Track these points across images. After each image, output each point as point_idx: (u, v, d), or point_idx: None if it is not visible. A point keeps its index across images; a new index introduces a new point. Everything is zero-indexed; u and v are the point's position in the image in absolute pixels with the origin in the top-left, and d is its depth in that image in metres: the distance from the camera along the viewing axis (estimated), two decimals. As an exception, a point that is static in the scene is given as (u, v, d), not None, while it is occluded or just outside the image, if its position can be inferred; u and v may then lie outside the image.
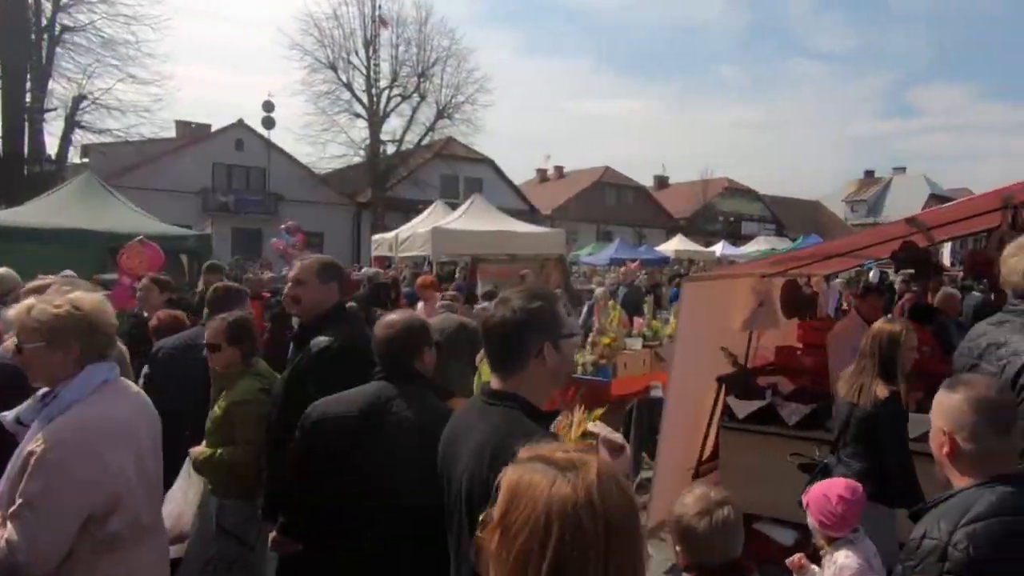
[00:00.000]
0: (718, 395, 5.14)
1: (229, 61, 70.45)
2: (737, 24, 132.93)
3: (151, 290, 5.07)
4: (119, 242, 7.78)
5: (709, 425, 5.26)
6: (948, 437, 1.76)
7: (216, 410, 3.22)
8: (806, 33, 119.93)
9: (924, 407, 2.88)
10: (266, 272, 11.88)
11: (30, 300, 2.13)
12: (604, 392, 6.25)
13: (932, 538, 1.67)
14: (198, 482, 3.39)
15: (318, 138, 28.99)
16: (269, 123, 27.57)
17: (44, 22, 19.63)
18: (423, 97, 30.01)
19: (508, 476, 0.96)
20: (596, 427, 2.02)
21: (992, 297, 5.60)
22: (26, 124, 19.10)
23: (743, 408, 4.88)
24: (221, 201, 26.66)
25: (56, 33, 19.71)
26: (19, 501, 1.89)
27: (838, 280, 10.59)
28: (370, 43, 29.28)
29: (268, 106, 27.47)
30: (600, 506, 0.91)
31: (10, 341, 2.30)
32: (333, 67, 29.02)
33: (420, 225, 14.51)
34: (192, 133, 29.09)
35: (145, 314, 4.94)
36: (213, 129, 29.00)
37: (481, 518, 0.97)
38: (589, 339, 6.76)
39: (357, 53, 29.33)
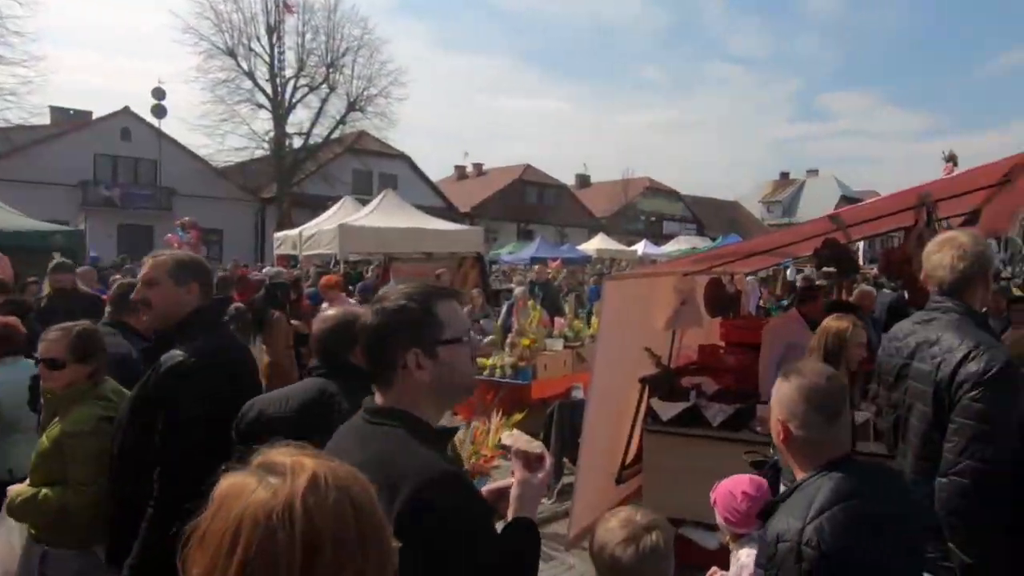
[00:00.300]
0: (641, 396, 5.01)
1: (113, 45, 65.23)
2: (656, 26, 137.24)
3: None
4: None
5: (632, 428, 5.13)
6: (782, 425, 1.80)
7: (44, 440, 2.60)
8: (722, 37, 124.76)
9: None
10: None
11: None
12: (524, 395, 6.17)
13: (785, 540, 1.67)
14: (21, 526, 2.75)
15: (216, 129, 27.23)
16: (160, 111, 25.57)
17: None
18: (332, 88, 28.97)
19: (220, 483, 0.84)
20: (510, 439, 1.65)
21: (905, 295, 5.68)
22: None
23: (667, 410, 4.79)
24: (104, 195, 24.55)
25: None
26: None
27: (751, 278, 10.78)
28: (274, 29, 27.93)
29: (158, 93, 25.46)
30: (302, 517, 0.78)
31: None
32: (232, 54, 27.41)
33: (327, 222, 13.69)
34: (70, 120, 26.56)
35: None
36: (95, 116, 26.60)
37: (185, 529, 0.83)
38: (508, 340, 6.62)
39: (259, 39, 27.96)
